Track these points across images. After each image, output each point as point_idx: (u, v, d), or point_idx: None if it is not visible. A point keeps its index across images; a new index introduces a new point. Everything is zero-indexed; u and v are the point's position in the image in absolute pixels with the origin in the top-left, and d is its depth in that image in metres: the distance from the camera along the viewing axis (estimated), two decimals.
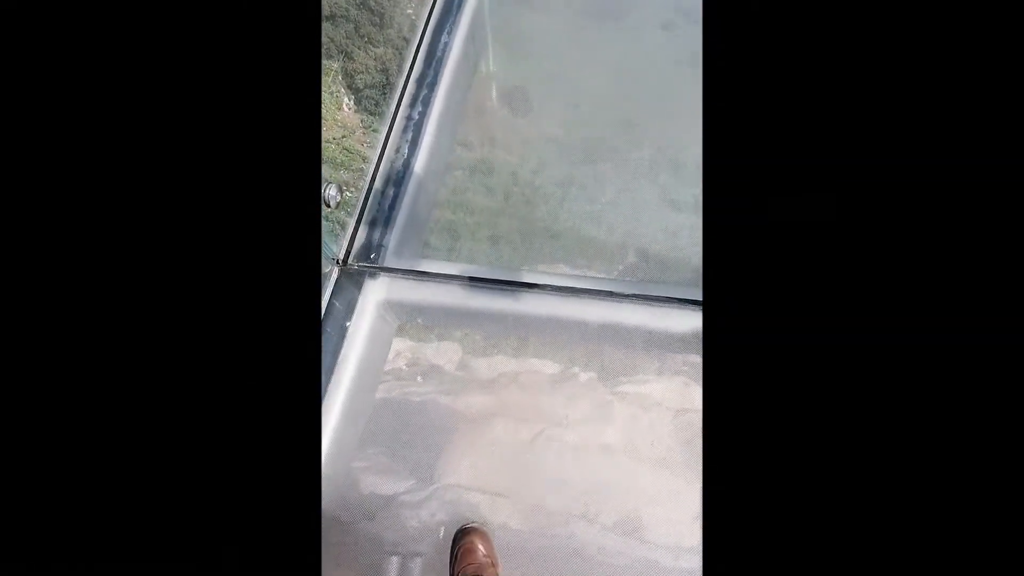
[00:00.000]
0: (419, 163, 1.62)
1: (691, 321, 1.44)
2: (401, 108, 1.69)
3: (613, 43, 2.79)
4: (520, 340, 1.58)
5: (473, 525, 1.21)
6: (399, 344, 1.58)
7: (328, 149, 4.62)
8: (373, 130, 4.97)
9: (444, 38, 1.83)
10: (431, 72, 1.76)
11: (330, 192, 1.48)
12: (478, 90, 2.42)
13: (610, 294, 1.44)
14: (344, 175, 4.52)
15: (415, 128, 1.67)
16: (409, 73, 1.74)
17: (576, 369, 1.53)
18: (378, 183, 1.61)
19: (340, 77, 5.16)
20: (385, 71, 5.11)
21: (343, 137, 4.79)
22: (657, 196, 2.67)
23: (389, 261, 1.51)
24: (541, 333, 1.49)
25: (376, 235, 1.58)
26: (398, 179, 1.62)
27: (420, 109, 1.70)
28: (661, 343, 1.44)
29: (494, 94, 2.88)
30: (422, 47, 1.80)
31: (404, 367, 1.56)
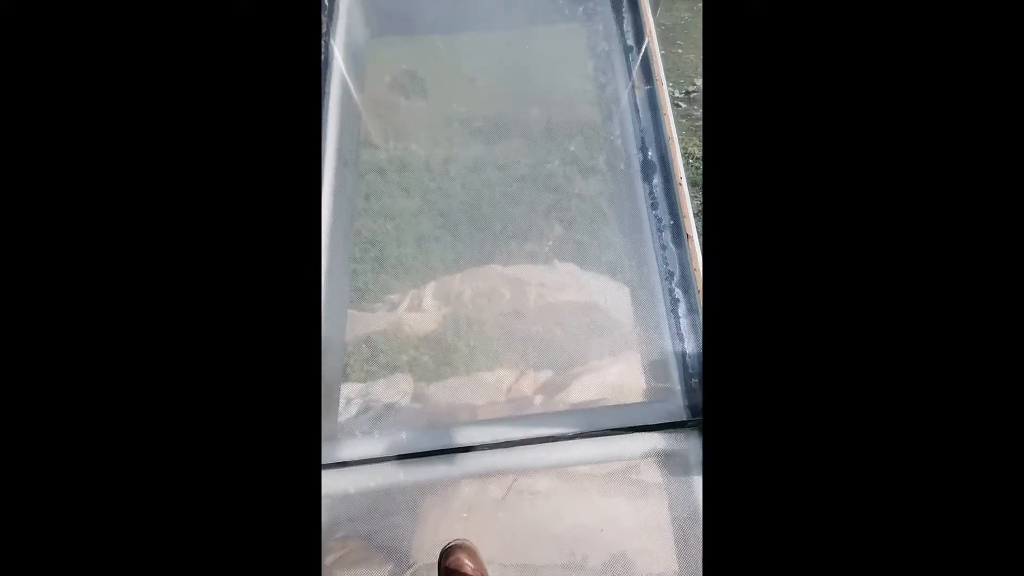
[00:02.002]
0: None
1: (645, 444, 1.33)
2: None
3: (494, 10, 2.70)
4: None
5: (458, 542, 1.21)
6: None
7: None
8: None
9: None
10: None
11: None
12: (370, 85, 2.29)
13: (551, 439, 1.30)
14: None
15: None
16: None
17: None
18: None
19: None
20: None
21: None
22: (571, 165, 2.68)
23: None
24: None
25: None
26: None
27: None
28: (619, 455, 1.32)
29: (386, 83, 2.74)
30: None
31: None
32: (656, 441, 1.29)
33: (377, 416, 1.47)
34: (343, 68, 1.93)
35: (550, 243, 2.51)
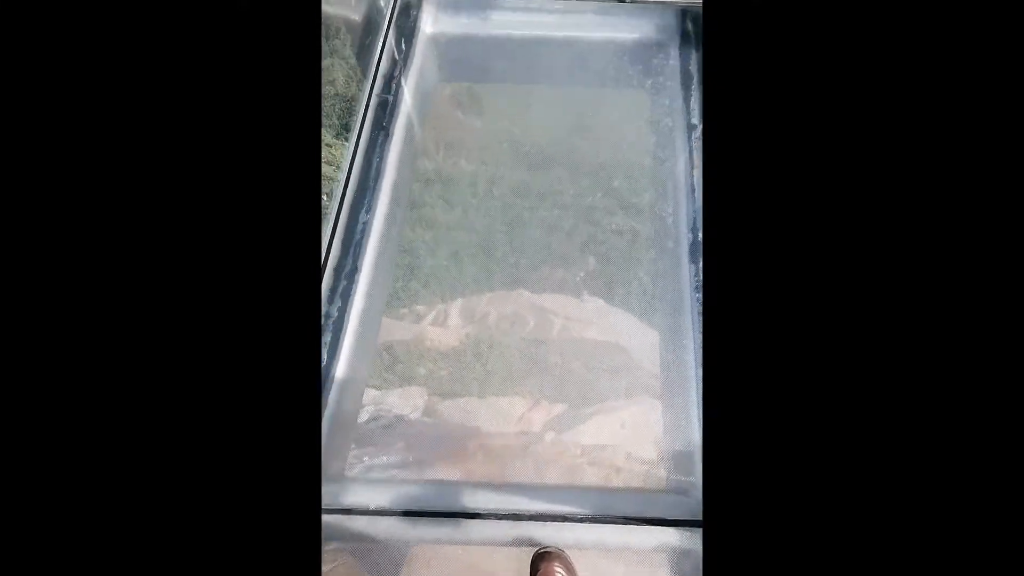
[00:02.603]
0: (340, 369, 1.36)
1: (656, 538, 1.28)
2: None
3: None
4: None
5: (550, 549, 1.17)
6: None
7: None
8: (326, 144, 4.83)
9: (362, 216, 1.57)
10: (350, 261, 1.50)
11: None
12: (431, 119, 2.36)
13: (563, 518, 1.27)
14: None
15: (334, 328, 1.41)
16: (324, 262, 1.49)
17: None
18: None
19: None
20: (332, 82, 4.95)
21: None
22: (613, 200, 2.68)
23: None
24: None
25: None
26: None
27: (339, 304, 1.43)
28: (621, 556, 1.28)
29: (446, 95, 2.81)
30: (336, 234, 1.51)
31: None
32: (670, 537, 1.24)
33: (387, 425, 1.49)
34: (410, 107, 1.98)
35: (581, 275, 2.51)
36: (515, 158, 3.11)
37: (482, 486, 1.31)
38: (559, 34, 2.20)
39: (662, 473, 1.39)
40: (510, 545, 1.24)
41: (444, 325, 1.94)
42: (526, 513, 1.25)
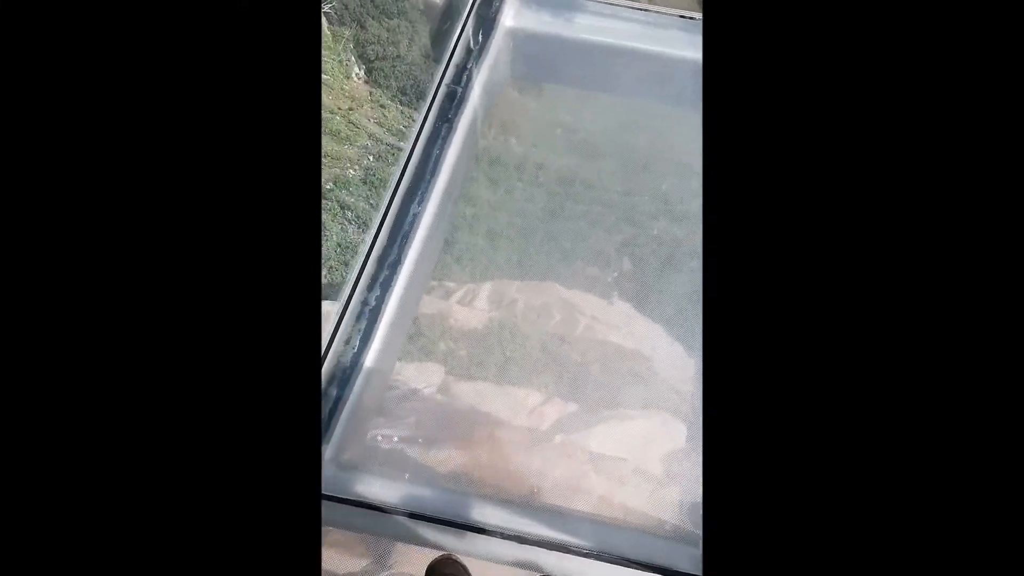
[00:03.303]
0: (369, 358, 1.35)
1: None
2: (357, 291, 1.40)
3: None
4: None
5: (446, 555, 1.18)
6: None
7: (333, 121, 4.55)
8: (381, 105, 4.86)
9: (414, 208, 1.54)
10: (395, 251, 1.47)
11: None
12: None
13: (565, 549, 1.21)
14: (348, 150, 4.46)
15: (370, 316, 1.38)
16: (370, 251, 1.46)
17: None
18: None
19: (352, 46, 5.02)
20: (396, 44, 4.95)
21: (349, 110, 4.69)
22: (660, 203, 2.62)
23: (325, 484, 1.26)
24: None
25: None
26: (343, 378, 1.34)
27: (378, 293, 1.41)
28: None
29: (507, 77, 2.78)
30: (386, 222, 1.48)
31: None
32: None
33: (401, 397, 1.51)
34: (477, 102, 1.93)
35: (615, 275, 2.48)
36: (567, 146, 3.06)
37: (492, 500, 1.30)
38: (640, 46, 2.11)
39: (668, 495, 1.37)
40: (510, 565, 1.23)
41: (471, 305, 1.94)
42: (531, 537, 1.23)
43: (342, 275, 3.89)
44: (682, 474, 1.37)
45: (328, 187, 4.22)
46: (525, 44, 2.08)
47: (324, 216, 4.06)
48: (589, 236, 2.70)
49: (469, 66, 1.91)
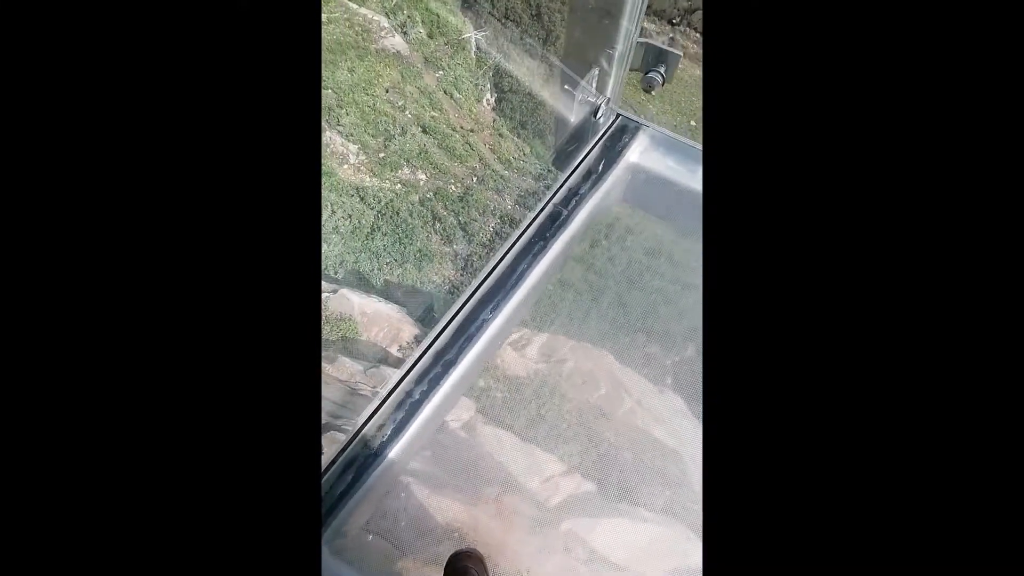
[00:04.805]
0: (396, 449, 1.31)
1: None
2: (404, 383, 1.37)
3: None
4: None
5: (466, 549, 1.16)
6: None
7: (452, 138, 4.79)
8: (499, 134, 5.06)
9: (485, 314, 1.51)
10: (453, 352, 1.42)
11: None
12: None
13: None
14: (457, 168, 4.67)
15: (409, 409, 1.34)
16: (430, 345, 1.43)
17: None
18: (339, 459, 1.28)
19: (491, 74, 5.30)
20: (530, 86, 5.17)
21: (470, 131, 4.93)
22: None
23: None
24: None
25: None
26: (362, 463, 1.29)
27: (424, 388, 1.36)
28: None
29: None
30: (453, 322, 1.46)
31: None
32: None
33: (427, 422, 1.51)
34: (578, 228, 1.91)
35: (676, 359, 2.37)
36: (660, 218, 3.01)
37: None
38: None
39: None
40: None
41: (522, 351, 1.94)
42: None
43: (413, 279, 4.04)
44: None
45: (428, 196, 4.43)
46: (645, 185, 2.08)
47: (415, 221, 4.25)
48: (660, 312, 2.61)
49: (582, 191, 1.92)
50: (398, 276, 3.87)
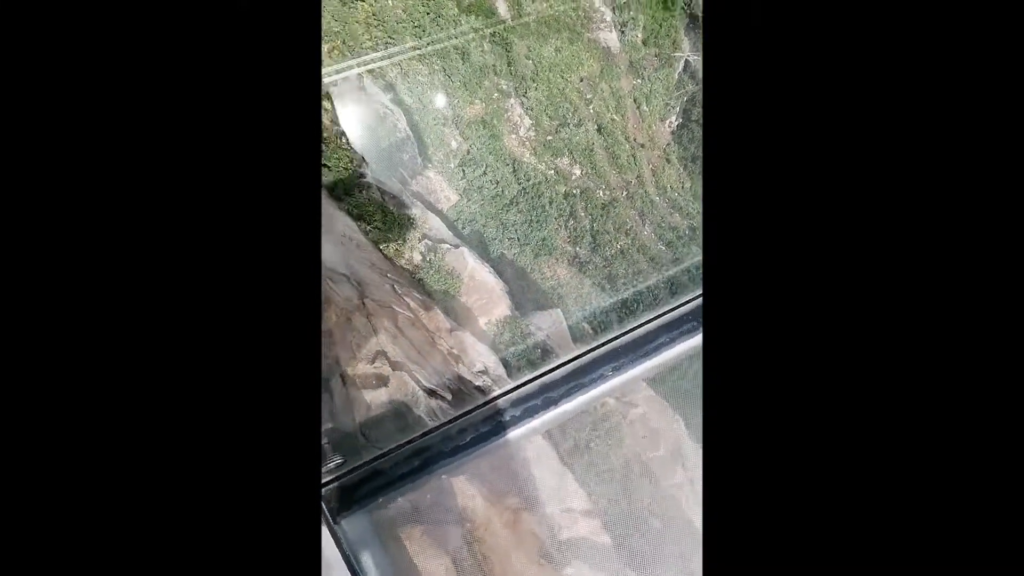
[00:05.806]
0: (465, 457, 1.25)
1: None
2: (501, 400, 1.33)
3: None
4: None
5: None
6: None
7: (621, 147, 4.73)
8: (667, 160, 4.91)
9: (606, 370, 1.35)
10: (560, 391, 1.29)
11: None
12: None
13: None
14: (614, 178, 4.62)
15: (495, 428, 1.30)
16: (542, 374, 1.30)
17: None
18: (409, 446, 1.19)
19: (685, 99, 5.13)
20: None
21: (641, 146, 4.83)
22: None
23: None
24: None
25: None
26: (430, 456, 1.23)
27: (516, 415, 1.31)
28: None
29: None
30: (573, 363, 1.34)
31: None
32: None
33: (504, 445, 1.54)
34: None
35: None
36: None
37: None
38: None
39: None
40: None
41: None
42: None
43: (527, 264, 4.10)
44: None
45: (574, 192, 4.43)
46: None
47: (552, 210, 4.29)
48: None
49: None
50: (514, 255, 3.96)
